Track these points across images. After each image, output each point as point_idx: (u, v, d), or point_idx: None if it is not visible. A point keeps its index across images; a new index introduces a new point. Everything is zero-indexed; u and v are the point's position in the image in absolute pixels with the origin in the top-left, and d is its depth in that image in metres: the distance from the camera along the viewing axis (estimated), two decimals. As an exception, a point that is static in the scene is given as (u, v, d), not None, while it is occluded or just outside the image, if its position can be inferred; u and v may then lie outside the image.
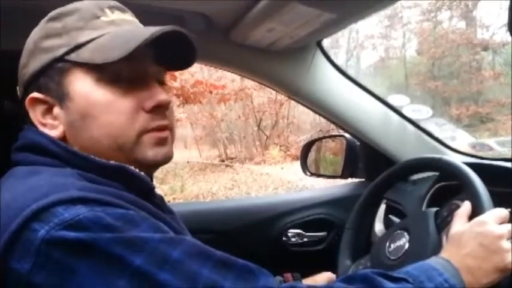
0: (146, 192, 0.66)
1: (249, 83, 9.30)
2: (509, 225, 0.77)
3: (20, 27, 0.69)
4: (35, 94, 0.64)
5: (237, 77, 9.01)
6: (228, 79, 9.64)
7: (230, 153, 11.87)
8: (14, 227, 0.50)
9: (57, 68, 0.63)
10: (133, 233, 0.52)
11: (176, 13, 1.05)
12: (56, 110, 0.64)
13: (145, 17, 0.71)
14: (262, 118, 11.29)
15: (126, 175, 0.63)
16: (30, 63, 0.65)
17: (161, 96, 0.65)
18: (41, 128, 0.64)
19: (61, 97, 0.64)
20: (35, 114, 0.65)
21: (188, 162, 11.15)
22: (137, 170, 0.64)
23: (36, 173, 0.59)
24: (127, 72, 0.64)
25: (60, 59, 0.63)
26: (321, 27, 1.07)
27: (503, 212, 0.79)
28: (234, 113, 11.40)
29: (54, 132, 0.64)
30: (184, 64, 0.73)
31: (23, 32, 0.67)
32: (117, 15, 0.66)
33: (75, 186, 0.54)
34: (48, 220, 0.50)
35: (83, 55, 0.62)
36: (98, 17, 0.64)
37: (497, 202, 0.83)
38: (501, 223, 0.77)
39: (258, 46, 1.20)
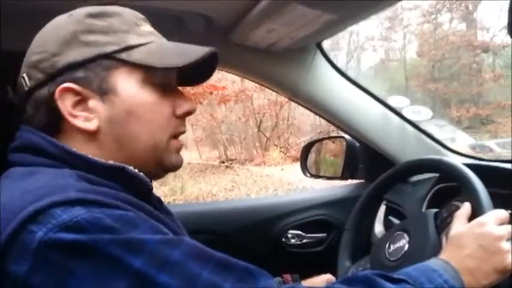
0: (145, 192, 0.66)
1: (249, 84, 9.30)
2: (509, 226, 0.77)
3: (20, 27, 0.68)
4: (71, 85, 0.62)
5: (237, 79, 9.02)
6: (229, 80, 9.64)
7: (230, 155, 11.86)
8: (11, 229, 0.49)
9: (103, 63, 0.63)
10: (132, 235, 0.51)
11: (176, 14, 1.05)
12: (93, 103, 0.63)
13: (145, 17, 0.71)
14: (263, 119, 11.28)
15: (125, 175, 0.63)
16: (65, 54, 0.63)
17: (191, 104, 0.71)
18: (70, 119, 0.63)
19: (105, 91, 0.64)
20: (65, 105, 0.63)
21: (188, 163, 11.14)
22: (136, 170, 0.64)
23: (33, 174, 0.58)
24: (164, 79, 0.68)
25: (108, 55, 0.63)
26: (321, 28, 1.07)
27: (503, 213, 0.79)
28: (234, 115, 11.40)
29: (89, 125, 0.63)
30: (200, 80, 0.78)
31: (24, 32, 0.67)
32: (150, 28, 0.70)
33: (74, 188, 0.54)
34: (46, 222, 0.49)
35: (135, 56, 0.64)
36: (139, 26, 0.68)
37: (497, 203, 0.83)
38: (501, 224, 0.77)
39: (258, 47, 1.20)
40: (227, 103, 10.00)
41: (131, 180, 0.63)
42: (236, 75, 1.43)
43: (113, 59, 0.64)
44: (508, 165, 1.10)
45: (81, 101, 0.64)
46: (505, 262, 0.73)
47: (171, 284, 0.50)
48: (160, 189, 8.19)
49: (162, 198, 0.79)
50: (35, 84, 0.64)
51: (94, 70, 0.63)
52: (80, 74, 0.63)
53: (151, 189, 0.69)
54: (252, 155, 11.33)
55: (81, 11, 0.66)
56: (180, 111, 0.69)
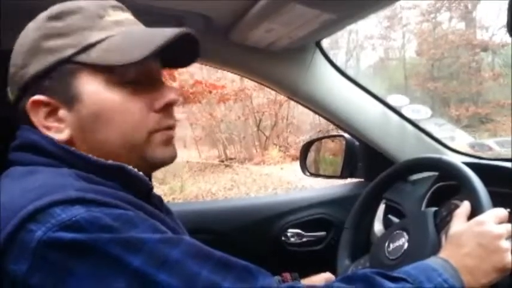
0: (144, 192, 0.66)
1: (248, 83, 9.29)
2: (509, 225, 0.77)
3: (20, 27, 0.68)
4: (39, 97, 0.61)
5: (236, 78, 9.01)
6: (228, 79, 9.63)
7: (230, 154, 11.85)
8: (10, 228, 0.49)
9: (64, 70, 0.61)
10: (131, 234, 0.51)
11: (176, 13, 1.05)
12: (62, 113, 0.62)
13: (145, 17, 0.71)
14: (262, 118, 11.28)
15: (124, 175, 0.62)
16: (30, 64, 0.62)
17: (170, 95, 0.66)
18: (45, 132, 0.62)
19: (69, 99, 0.62)
20: (38, 118, 0.62)
21: (188, 162, 11.13)
22: (136, 170, 0.63)
23: (33, 173, 0.58)
24: (134, 74, 0.63)
25: (68, 60, 0.61)
26: (320, 27, 1.07)
27: (502, 211, 0.79)
28: (234, 114, 11.39)
29: (60, 135, 0.62)
30: (185, 63, 0.73)
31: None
32: (120, 15, 0.65)
33: (73, 187, 0.54)
34: (45, 221, 0.49)
35: (93, 56, 0.61)
36: (102, 17, 0.63)
37: (497, 202, 0.83)
38: (500, 223, 0.77)
39: (257, 46, 1.20)
40: (226, 102, 9.99)
41: (130, 180, 0.63)
42: (235, 74, 1.43)
43: (74, 63, 0.61)
44: (507, 164, 1.10)
45: (52, 112, 0.62)
46: (504, 261, 0.73)
47: (170, 283, 0.50)
48: (160, 188, 8.18)
49: (162, 197, 0.79)
50: (14, 99, 0.65)
51: (58, 78, 0.61)
52: (46, 83, 0.62)
53: (152, 188, 0.68)
54: (251, 154, 11.32)
55: (42, 15, 0.64)
56: (158, 104, 0.65)
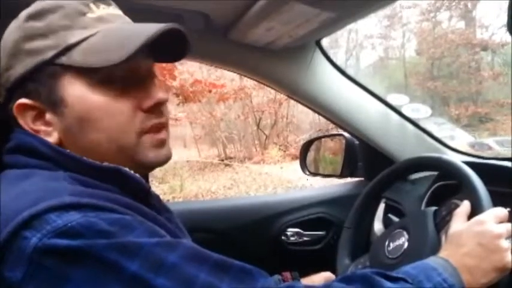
0: (141, 194, 0.64)
1: (248, 82, 9.29)
2: (509, 224, 0.77)
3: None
4: (24, 100, 0.61)
5: (236, 77, 9.01)
6: (227, 78, 9.62)
7: (229, 153, 11.85)
8: (5, 235, 0.49)
9: (46, 72, 0.60)
10: (128, 238, 0.50)
11: (175, 12, 1.05)
12: (49, 116, 0.61)
13: (144, 15, 0.70)
14: (262, 117, 11.28)
15: (121, 177, 0.61)
16: (14, 67, 0.61)
17: (159, 94, 0.64)
18: (34, 134, 0.62)
19: (54, 103, 0.60)
20: (26, 121, 0.61)
21: (187, 161, 11.13)
22: (132, 172, 0.62)
23: (28, 176, 0.57)
24: (120, 73, 0.61)
25: (49, 62, 0.59)
26: (320, 26, 1.07)
27: (502, 211, 0.79)
28: (233, 113, 11.39)
29: (49, 139, 0.61)
30: (177, 57, 0.71)
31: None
32: (103, 10, 0.63)
33: (68, 191, 0.53)
34: (41, 227, 0.49)
35: (74, 57, 0.59)
36: (84, 14, 0.61)
37: (496, 201, 0.83)
38: (500, 222, 0.77)
39: (257, 45, 1.20)
40: (226, 101, 9.97)
41: (127, 182, 0.61)
42: (235, 73, 1.43)
43: (55, 65, 0.59)
44: (507, 163, 1.10)
45: (39, 115, 0.62)
46: (504, 260, 0.73)
47: (168, 287, 0.49)
48: (160, 187, 8.19)
49: (161, 197, 0.78)
50: (3, 101, 0.64)
51: (41, 81, 0.60)
52: (30, 87, 0.61)
53: (149, 189, 0.67)
54: (251, 153, 11.32)
55: (23, 13, 0.62)
56: (147, 104, 0.63)
